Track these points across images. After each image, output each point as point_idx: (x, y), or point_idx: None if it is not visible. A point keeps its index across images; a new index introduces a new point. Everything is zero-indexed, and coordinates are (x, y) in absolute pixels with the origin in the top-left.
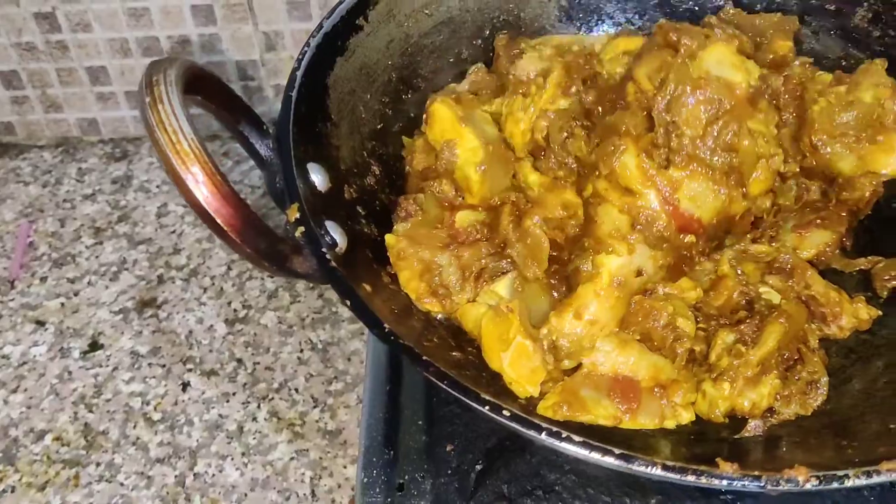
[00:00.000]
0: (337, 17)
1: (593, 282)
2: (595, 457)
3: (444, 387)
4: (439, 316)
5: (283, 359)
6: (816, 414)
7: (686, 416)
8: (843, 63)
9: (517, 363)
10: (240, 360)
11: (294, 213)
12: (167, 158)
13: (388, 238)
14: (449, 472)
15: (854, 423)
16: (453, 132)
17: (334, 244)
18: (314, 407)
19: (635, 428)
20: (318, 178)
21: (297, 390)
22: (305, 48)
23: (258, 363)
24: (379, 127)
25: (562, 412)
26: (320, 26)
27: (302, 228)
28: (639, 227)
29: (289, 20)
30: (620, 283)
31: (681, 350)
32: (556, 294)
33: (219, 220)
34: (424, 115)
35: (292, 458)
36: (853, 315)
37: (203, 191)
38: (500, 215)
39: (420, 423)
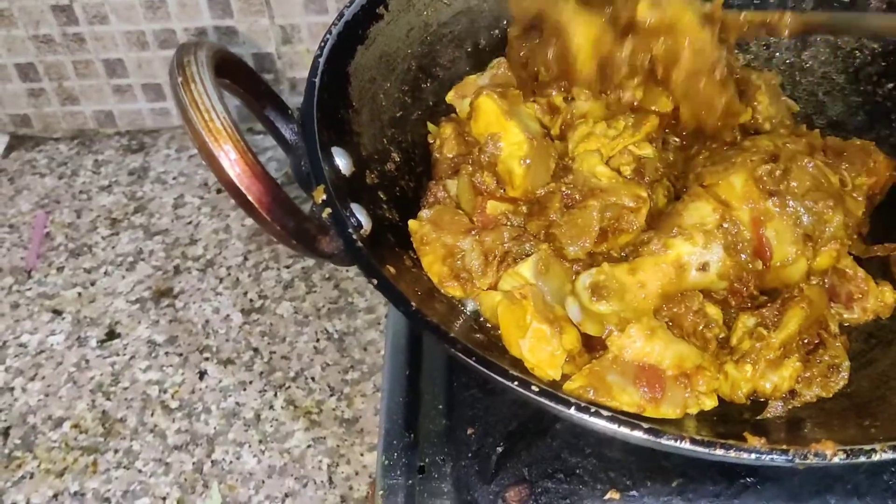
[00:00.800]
0: (357, 5)
1: (657, 256)
2: (624, 431)
3: (472, 363)
4: (464, 301)
5: (300, 348)
6: (837, 396)
7: (709, 403)
8: (858, 54)
9: (536, 348)
10: (256, 350)
11: (321, 195)
12: (200, 137)
13: (412, 223)
14: (470, 454)
15: (876, 404)
16: (498, 126)
17: (359, 226)
18: (331, 395)
19: (658, 417)
20: (343, 161)
21: (313, 379)
22: (328, 36)
23: (274, 352)
24: (399, 115)
25: (588, 396)
26: (341, 14)
27: (329, 210)
28: (724, 227)
29: (305, 13)
30: (682, 268)
31: (710, 335)
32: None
33: (250, 197)
34: (468, 108)
35: (309, 446)
36: (878, 298)
37: (235, 168)
38: (550, 201)
39: (440, 406)
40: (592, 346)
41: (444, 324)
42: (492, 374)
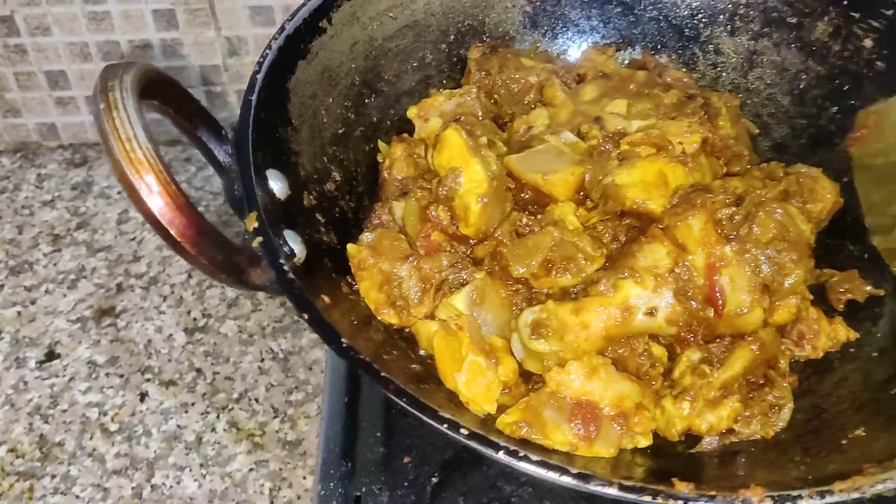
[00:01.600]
0: (299, 19)
1: (604, 296)
2: (552, 476)
3: (402, 404)
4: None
5: (244, 368)
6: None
7: (644, 442)
8: (803, 77)
9: (472, 382)
10: (199, 370)
11: (252, 223)
12: (120, 167)
13: (350, 248)
14: (406, 484)
15: (809, 438)
16: (461, 160)
17: (292, 254)
18: (274, 417)
19: (590, 456)
20: (278, 185)
21: (257, 400)
22: (267, 51)
23: (218, 373)
24: (341, 131)
25: (521, 432)
26: (282, 28)
27: (260, 238)
28: (676, 272)
29: (252, 25)
30: (629, 311)
31: (654, 373)
32: (515, 310)
33: (172, 232)
34: (429, 132)
35: (251, 470)
36: (830, 336)
37: (157, 201)
38: (503, 229)
39: (378, 434)
40: (530, 375)
41: (379, 356)
42: (422, 417)
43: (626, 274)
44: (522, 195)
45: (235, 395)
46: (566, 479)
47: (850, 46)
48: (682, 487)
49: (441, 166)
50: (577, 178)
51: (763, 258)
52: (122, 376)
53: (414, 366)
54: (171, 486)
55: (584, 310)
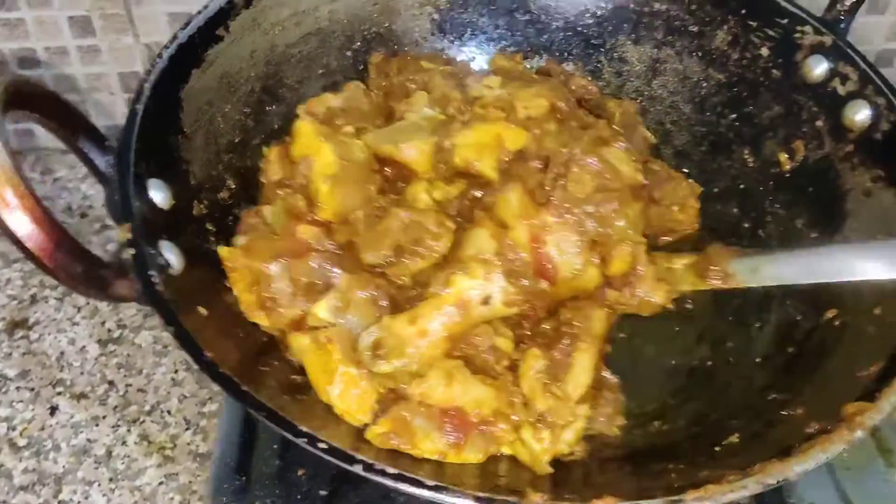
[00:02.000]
0: (193, 27)
1: (439, 297)
2: (407, 489)
3: (262, 418)
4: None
5: (157, 380)
6: (651, 434)
7: (507, 450)
8: (704, 84)
9: (345, 394)
10: (111, 383)
11: (125, 234)
12: None
13: (222, 251)
14: (299, 496)
15: (686, 446)
16: (313, 147)
17: (168, 266)
18: (186, 429)
19: (460, 462)
20: (160, 195)
21: (169, 412)
22: (158, 59)
23: (130, 385)
24: (238, 139)
25: (390, 442)
26: (175, 37)
27: (131, 251)
28: (502, 254)
29: (170, 31)
30: (465, 305)
31: (500, 368)
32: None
33: (29, 246)
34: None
35: (161, 483)
36: (652, 283)
37: (13, 216)
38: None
39: (275, 447)
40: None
41: (253, 369)
42: (282, 431)
43: (455, 269)
44: (385, 172)
45: (147, 408)
46: (423, 492)
47: (748, 55)
48: (536, 498)
49: (297, 156)
50: (429, 147)
51: (584, 216)
52: (32, 390)
53: (295, 377)
54: (79, 502)
55: (419, 317)
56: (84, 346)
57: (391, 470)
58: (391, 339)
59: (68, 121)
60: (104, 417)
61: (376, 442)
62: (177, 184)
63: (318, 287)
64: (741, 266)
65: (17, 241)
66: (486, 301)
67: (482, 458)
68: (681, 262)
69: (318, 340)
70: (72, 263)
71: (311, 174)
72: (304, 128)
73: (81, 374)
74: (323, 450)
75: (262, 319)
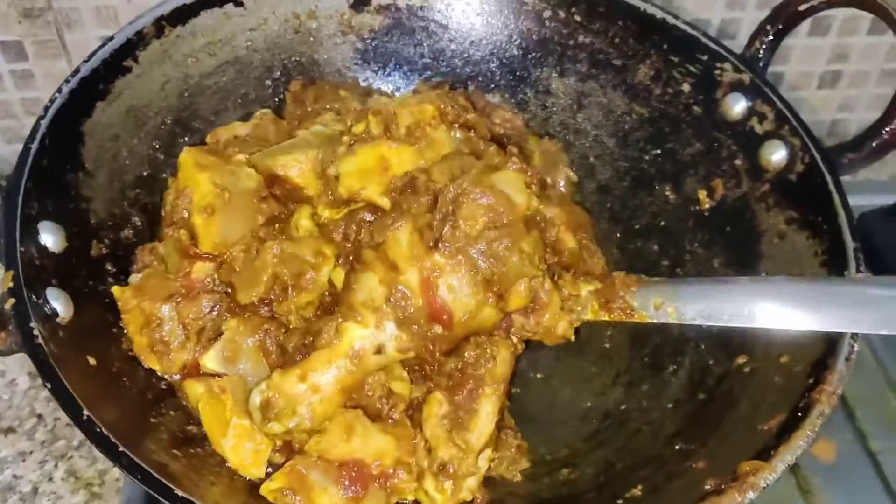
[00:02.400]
0: (98, 60)
1: (330, 348)
2: None
3: (136, 481)
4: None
5: None
6: (558, 483)
7: (411, 497)
8: (628, 119)
9: (239, 447)
10: (40, 416)
11: (7, 283)
12: None
13: (115, 290)
14: None
15: (589, 497)
16: (191, 179)
17: (54, 314)
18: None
19: None
20: (52, 237)
21: None
22: (56, 94)
23: (59, 419)
24: (146, 173)
25: (285, 498)
26: (77, 70)
27: (12, 300)
28: (392, 301)
29: None
30: (358, 356)
31: (397, 415)
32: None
33: None
34: None
35: None
36: (553, 318)
37: None
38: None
39: None
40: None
41: (142, 421)
42: (156, 494)
43: (345, 317)
44: (276, 194)
45: (76, 443)
46: None
47: (670, 90)
48: None
49: (181, 188)
50: (311, 161)
51: (476, 255)
52: None
53: (190, 427)
54: None
55: (310, 371)
56: (14, 379)
57: None
58: (282, 399)
59: None
60: (31, 452)
61: (271, 498)
62: (73, 224)
63: (208, 332)
64: (643, 299)
65: None
66: (379, 350)
67: None
68: (586, 289)
69: (212, 390)
70: None
71: (190, 207)
72: (183, 158)
73: (9, 407)
74: None
75: (154, 364)
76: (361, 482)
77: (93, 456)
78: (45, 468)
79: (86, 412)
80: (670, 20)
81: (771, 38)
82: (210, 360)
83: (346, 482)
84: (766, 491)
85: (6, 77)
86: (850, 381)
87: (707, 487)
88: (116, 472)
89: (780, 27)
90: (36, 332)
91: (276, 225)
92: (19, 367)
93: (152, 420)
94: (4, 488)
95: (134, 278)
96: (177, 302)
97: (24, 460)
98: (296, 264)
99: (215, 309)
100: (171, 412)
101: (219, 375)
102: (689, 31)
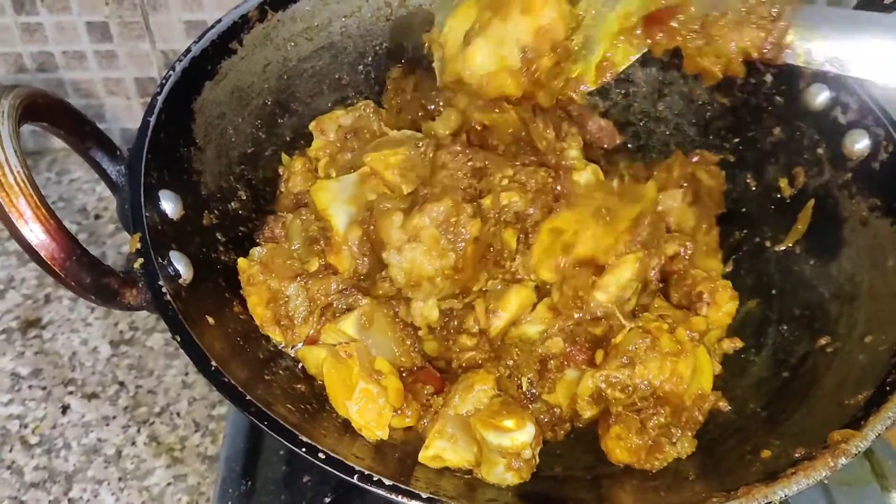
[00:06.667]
0: (207, 41)
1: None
2: (404, 500)
3: (264, 427)
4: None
5: (167, 382)
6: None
7: None
8: (709, 108)
9: (364, 409)
10: (122, 383)
11: (135, 244)
12: None
13: (241, 262)
14: (304, 502)
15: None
16: (326, 215)
17: (177, 276)
18: (195, 431)
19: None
20: (171, 205)
21: (178, 414)
22: (170, 72)
23: (141, 386)
24: (250, 150)
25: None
26: (188, 50)
27: (141, 260)
28: None
29: (186, 39)
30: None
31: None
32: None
33: (42, 255)
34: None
35: (169, 484)
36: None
37: (27, 226)
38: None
39: (281, 453)
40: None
41: (258, 377)
42: (283, 441)
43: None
44: None
45: (157, 409)
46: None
47: (753, 80)
48: None
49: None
50: (399, 158)
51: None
52: (44, 388)
53: (299, 385)
54: (89, 500)
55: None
56: (96, 347)
57: (387, 481)
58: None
59: (80, 130)
60: (114, 417)
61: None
62: (187, 194)
63: (333, 311)
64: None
65: (30, 250)
66: None
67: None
68: None
69: (337, 355)
70: (82, 273)
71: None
72: (317, 195)
73: (93, 374)
74: (321, 460)
75: (275, 335)
76: None
77: (173, 423)
78: (128, 433)
79: (213, 363)
80: None
81: None
82: (349, 326)
83: None
84: (842, 473)
85: (90, 57)
86: None
87: (797, 455)
88: (197, 438)
89: None
90: (164, 289)
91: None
92: (100, 335)
93: (266, 377)
94: (90, 450)
95: (257, 252)
96: (304, 280)
97: (107, 425)
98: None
99: (346, 291)
100: (280, 372)
101: (343, 343)
102: None
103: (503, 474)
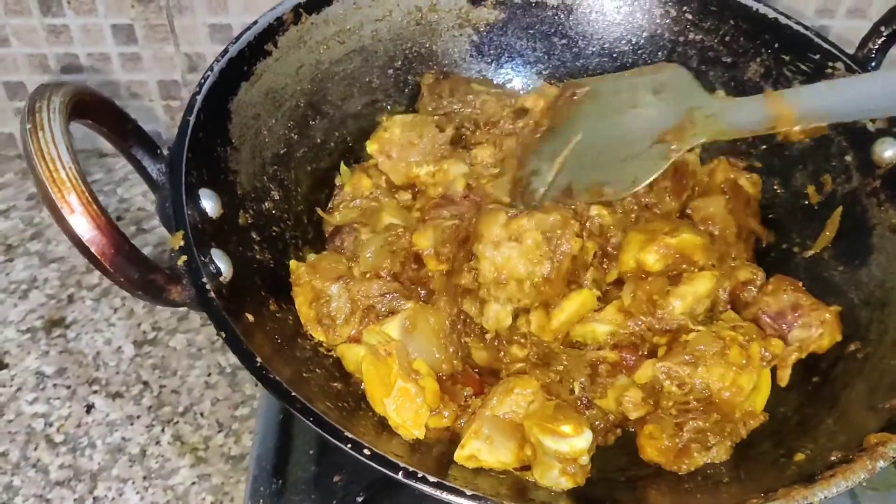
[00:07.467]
0: (244, 42)
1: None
2: (448, 497)
3: (309, 423)
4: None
5: (190, 382)
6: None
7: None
8: None
9: (402, 408)
10: (146, 383)
11: (178, 241)
12: (43, 186)
13: (293, 264)
14: (335, 502)
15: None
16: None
17: (218, 273)
18: (219, 431)
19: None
20: (210, 204)
21: (202, 414)
22: (208, 73)
23: (164, 386)
24: (283, 151)
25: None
26: (225, 50)
27: (184, 257)
28: None
29: (211, 42)
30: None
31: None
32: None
33: (93, 250)
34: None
35: (194, 483)
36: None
37: (78, 220)
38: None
39: (311, 452)
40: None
41: (297, 375)
42: (327, 437)
43: None
44: None
45: (181, 409)
46: (461, 501)
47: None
48: None
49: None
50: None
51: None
52: (69, 387)
53: (336, 384)
54: (114, 499)
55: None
56: (120, 347)
57: (431, 478)
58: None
59: (123, 129)
60: (139, 417)
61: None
62: (225, 193)
63: (376, 313)
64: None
65: (80, 245)
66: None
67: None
68: None
69: (377, 353)
70: (130, 268)
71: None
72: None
73: (117, 373)
74: (366, 456)
75: (318, 334)
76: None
77: (197, 423)
78: (153, 432)
79: (259, 360)
80: (783, 20)
81: (884, 38)
82: (392, 328)
83: None
84: (870, 478)
85: (115, 59)
86: None
87: (833, 458)
88: (221, 438)
89: (894, 28)
90: (208, 286)
91: None
92: (124, 335)
93: (304, 375)
94: (114, 449)
95: (311, 256)
96: (346, 282)
97: (131, 424)
98: None
99: (386, 295)
100: (318, 370)
101: (383, 343)
102: (802, 30)
103: (558, 478)
